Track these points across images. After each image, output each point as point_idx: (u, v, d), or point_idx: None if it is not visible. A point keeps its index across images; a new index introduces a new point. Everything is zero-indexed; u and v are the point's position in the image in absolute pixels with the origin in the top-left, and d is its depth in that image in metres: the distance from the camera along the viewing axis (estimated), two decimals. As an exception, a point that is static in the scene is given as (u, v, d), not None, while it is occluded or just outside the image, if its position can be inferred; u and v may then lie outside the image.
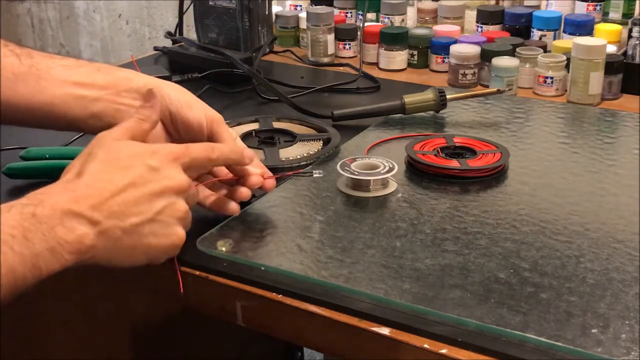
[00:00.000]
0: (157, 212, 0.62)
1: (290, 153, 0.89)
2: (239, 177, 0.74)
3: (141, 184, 0.61)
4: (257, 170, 0.74)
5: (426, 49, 1.25)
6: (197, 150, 0.67)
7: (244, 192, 0.74)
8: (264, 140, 0.93)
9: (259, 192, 0.78)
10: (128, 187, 0.61)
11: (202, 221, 0.74)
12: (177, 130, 0.72)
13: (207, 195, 0.74)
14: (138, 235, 0.61)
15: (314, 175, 0.80)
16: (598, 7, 1.26)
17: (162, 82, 0.75)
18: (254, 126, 0.97)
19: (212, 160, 0.68)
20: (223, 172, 0.76)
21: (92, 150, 0.63)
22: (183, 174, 0.65)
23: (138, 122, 0.67)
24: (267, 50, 1.32)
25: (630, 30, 1.14)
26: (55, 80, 0.72)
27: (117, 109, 0.72)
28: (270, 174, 0.76)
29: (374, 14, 1.37)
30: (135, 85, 0.73)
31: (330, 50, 1.30)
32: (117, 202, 0.60)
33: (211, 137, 0.73)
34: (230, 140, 0.74)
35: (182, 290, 0.68)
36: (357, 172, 0.79)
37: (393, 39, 1.25)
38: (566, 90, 1.11)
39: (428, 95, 1.01)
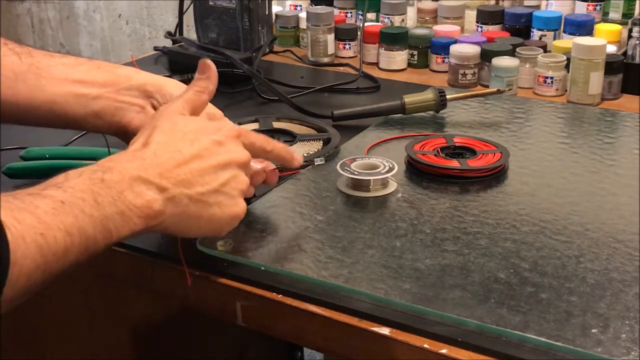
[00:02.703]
0: (221, 184, 0.63)
1: (290, 153, 0.89)
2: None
3: (207, 155, 0.63)
4: (258, 166, 0.74)
5: (426, 49, 1.25)
6: (257, 136, 0.69)
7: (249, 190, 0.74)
8: (264, 140, 0.93)
9: (261, 191, 0.78)
10: (194, 158, 0.62)
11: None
12: None
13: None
14: (203, 204, 0.62)
15: (316, 164, 0.79)
16: (598, 7, 1.26)
17: (163, 79, 0.75)
18: (254, 126, 0.97)
19: (267, 151, 0.70)
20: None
21: (157, 122, 0.64)
22: (245, 150, 0.66)
23: (197, 94, 0.68)
24: (267, 50, 1.32)
25: (630, 30, 1.14)
26: (55, 78, 0.72)
27: (118, 106, 0.72)
28: (273, 166, 0.76)
29: (374, 14, 1.37)
30: (135, 82, 0.73)
31: (330, 50, 1.30)
32: (184, 171, 0.61)
33: None
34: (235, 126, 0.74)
35: (189, 284, 0.68)
36: (357, 172, 0.79)
37: (393, 39, 1.25)
38: (566, 90, 1.11)
39: (428, 95, 1.01)
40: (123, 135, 0.72)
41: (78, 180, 0.56)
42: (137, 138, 0.63)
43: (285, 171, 0.77)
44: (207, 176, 0.63)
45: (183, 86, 0.75)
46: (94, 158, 0.64)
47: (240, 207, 0.66)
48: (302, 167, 0.77)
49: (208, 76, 0.70)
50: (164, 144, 0.62)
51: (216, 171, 0.63)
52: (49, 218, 0.53)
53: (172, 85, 0.74)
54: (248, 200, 0.76)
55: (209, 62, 0.71)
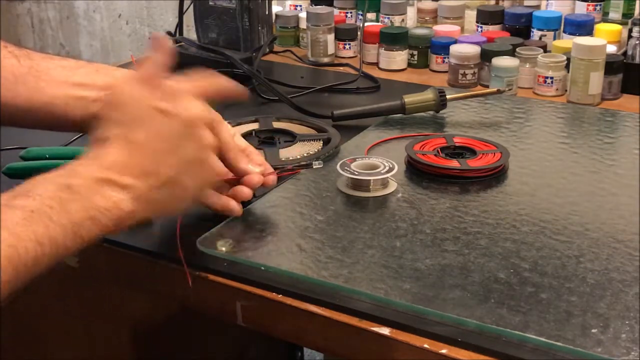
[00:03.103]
0: (188, 156, 0.62)
1: (290, 153, 0.89)
2: (240, 177, 0.74)
3: (163, 135, 0.62)
4: (256, 169, 0.74)
5: (426, 49, 1.25)
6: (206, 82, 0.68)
7: (245, 192, 0.74)
8: (264, 140, 0.94)
9: (261, 191, 0.78)
10: (149, 141, 0.61)
11: (202, 221, 0.74)
12: None
13: (208, 195, 0.74)
14: (172, 184, 0.62)
15: (314, 167, 0.80)
16: (598, 7, 1.26)
17: None
18: (254, 126, 0.97)
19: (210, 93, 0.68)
20: (224, 171, 0.76)
21: (109, 111, 0.63)
22: (196, 102, 0.65)
23: (145, 70, 0.66)
24: (267, 50, 1.32)
25: (630, 30, 1.14)
26: (54, 81, 0.72)
27: None
28: (272, 169, 0.76)
29: (374, 14, 1.37)
30: None
31: (330, 50, 1.30)
32: (143, 161, 0.61)
33: None
34: (230, 139, 0.74)
35: (190, 284, 0.68)
36: (357, 172, 0.79)
37: (393, 39, 1.25)
38: (566, 90, 1.11)
39: (428, 95, 1.01)
40: None
41: (45, 188, 0.56)
42: (97, 131, 0.62)
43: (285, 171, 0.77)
44: (170, 158, 0.62)
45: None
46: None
47: (212, 166, 0.65)
48: (299, 167, 0.77)
49: (155, 48, 0.67)
50: (118, 138, 0.61)
51: (177, 147, 0.62)
52: (19, 229, 0.53)
53: None
54: (249, 202, 0.76)
55: (159, 35, 0.69)
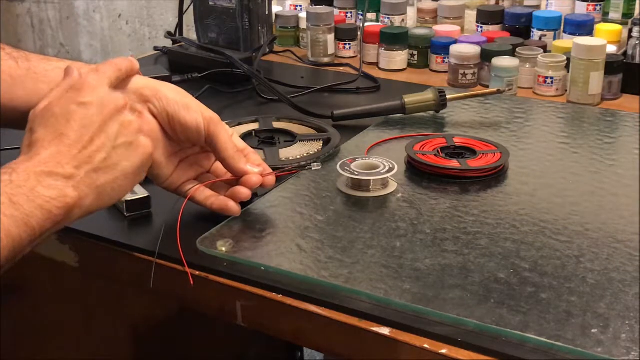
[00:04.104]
0: (114, 139, 0.64)
1: (290, 153, 0.89)
2: (239, 177, 0.74)
3: (86, 123, 0.63)
4: (255, 169, 0.74)
5: (426, 49, 1.25)
6: (109, 66, 0.68)
7: (244, 192, 0.74)
8: (264, 140, 0.94)
9: (261, 191, 0.78)
10: (75, 131, 0.62)
11: (202, 221, 0.74)
12: (175, 132, 0.72)
13: (208, 195, 0.74)
14: (111, 167, 0.64)
15: (313, 169, 0.80)
16: (598, 7, 1.26)
17: (159, 83, 0.74)
18: (254, 126, 0.97)
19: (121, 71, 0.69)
20: (223, 172, 0.76)
21: (30, 124, 0.64)
22: (112, 92, 0.66)
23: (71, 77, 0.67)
24: (267, 50, 1.32)
25: (630, 30, 1.14)
26: (53, 82, 0.72)
27: None
28: (270, 170, 0.76)
29: (374, 14, 1.37)
30: (131, 87, 0.72)
31: (330, 50, 1.30)
32: (76, 150, 0.62)
33: (209, 138, 0.73)
34: (228, 140, 0.74)
35: (192, 283, 0.68)
36: (357, 172, 0.79)
37: (393, 39, 1.25)
38: (566, 90, 1.11)
39: (428, 95, 1.01)
40: None
41: None
42: (23, 142, 0.64)
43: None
44: (98, 140, 0.63)
45: (178, 89, 0.74)
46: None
47: (143, 146, 0.66)
48: (298, 169, 0.77)
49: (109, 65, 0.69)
50: (46, 136, 0.62)
51: (102, 130, 0.64)
52: None
53: (168, 89, 0.73)
54: (249, 201, 0.76)
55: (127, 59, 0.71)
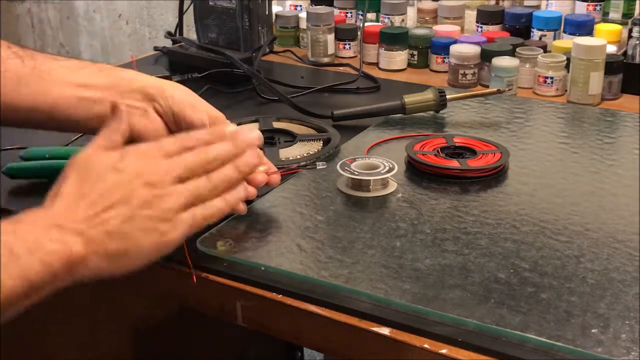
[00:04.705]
0: (138, 208, 0.60)
1: (290, 153, 0.89)
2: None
3: (113, 189, 0.60)
4: (261, 167, 0.74)
5: (426, 49, 1.25)
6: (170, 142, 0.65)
7: (250, 190, 0.74)
8: (264, 140, 0.93)
9: (262, 190, 0.78)
10: (99, 193, 0.59)
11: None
12: (181, 130, 0.72)
13: None
14: (126, 235, 0.59)
15: (318, 167, 0.80)
16: (598, 7, 1.26)
17: (165, 82, 0.74)
18: (254, 126, 0.97)
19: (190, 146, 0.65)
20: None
21: (65, 172, 0.62)
22: (159, 162, 0.62)
23: (107, 136, 0.65)
24: (267, 50, 1.32)
25: (630, 30, 1.14)
26: (58, 81, 0.72)
27: None
28: (275, 168, 0.76)
29: (374, 14, 1.37)
30: (137, 85, 0.72)
31: (330, 50, 1.30)
32: (95, 210, 0.59)
33: None
34: None
35: (194, 280, 0.68)
36: (357, 172, 0.79)
37: (393, 39, 1.25)
38: (566, 90, 1.11)
39: (428, 95, 1.01)
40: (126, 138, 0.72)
41: None
42: (52, 189, 0.61)
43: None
44: (118, 207, 0.59)
45: (184, 88, 0.74)
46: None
47: (171, 230, 0.62)
48: (304, 168, 0.77)
49: (118, 116, 0.66)
50: (72, 190, 0.60)
51: (127, 199, 0.60)
52: None
53: (174, 88, 0.74)
54: (250, 201, 0.76)
55: (117, 105, 0.68)
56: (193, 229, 0.64)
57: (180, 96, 0.73)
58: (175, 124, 0.72)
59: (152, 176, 0.61)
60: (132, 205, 0.60)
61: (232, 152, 0.67)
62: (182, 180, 0.63)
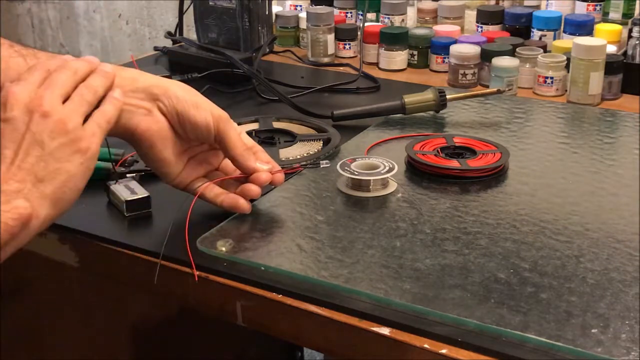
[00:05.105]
0: (48, 143, 0.61)
1: (290, 153, 0.89)
2: (248, 175, 0.74)
3: (15, 137, 0.61)
4: (264, 166, 0.74)
5: (426, 49, 1.25)
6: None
7: (254, 189, 0.74)
8: (264, 140, 0.94)
9: (264, 190, 0.78)
10: (11, 149, 0.61)
11: (202, 221, 0.74)
12: (184, 130, 0.72)
13: (217, 193, 0.75)
14: (54, 173, 0.61)
15: (322, 166, 0.80)
16: (598, 7, 1.26)
17: (168, 81, 0.74)
18: (254, 126, 0.97)
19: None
20: (231, 169, 0.76)
21: None
22: (24, 86, 0.63)
23: None
24: (267, 50, 1.32)
25: (630, 30, 1.14)
26: None
27: (124, 109, 0.72)
28: (279, 167, 0.76)
29: (374, 14, 1.37)
30: (141, 85, 0.72)
31: (330, 50, 1.30)
32: (15, 167, 0.60)
33: (218, 136, 0.73)
34: (237, 138, 0.74)
35: (196, 279, 0.68)
36: (357, 172, 0.79)
37: (393, 39, 1.25)
38: (566, 90, 1.11)
39: (428, 95, 1.01)
40: (130, 138, 0.72)
41: None
42: None
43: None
44: (32, 151, 0.61)
45: (188, 88, 0.74)
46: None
47: (80, 139, 0.63)
48: (307, 167, 0.78)
49: None
50: None
51: (33, 140, 0.61)
52: None
53: (178, 88, 0.73)
54: (252, 200, 0.76)
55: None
56: (105, 133, 0.66)
57: (184, 96, 0.72)
58: (179, 124, 0.72)
59: (41, 107, 0.63)
60: (42, 143, 0.61)
61: (87, 65, 0.68)
62: (65, 98, 0.64)
